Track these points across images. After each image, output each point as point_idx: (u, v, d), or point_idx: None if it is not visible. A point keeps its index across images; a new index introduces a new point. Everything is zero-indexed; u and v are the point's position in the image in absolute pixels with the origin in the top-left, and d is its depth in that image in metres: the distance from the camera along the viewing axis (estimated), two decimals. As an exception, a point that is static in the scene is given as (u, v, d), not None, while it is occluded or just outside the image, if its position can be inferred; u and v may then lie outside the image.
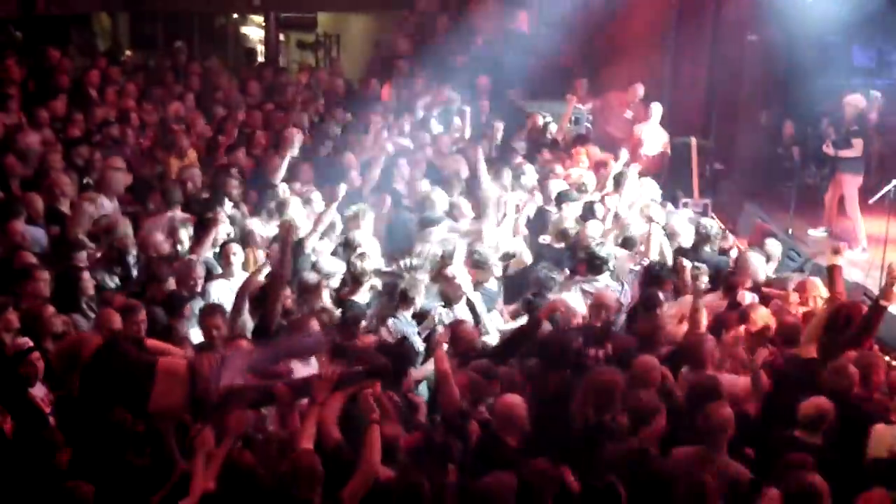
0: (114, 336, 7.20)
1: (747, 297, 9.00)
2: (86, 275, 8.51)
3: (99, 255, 9.33)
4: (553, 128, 14.56)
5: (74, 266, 8.75)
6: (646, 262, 9.78)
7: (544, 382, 7.35)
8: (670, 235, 10.52)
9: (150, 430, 6.52)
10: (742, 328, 8.25)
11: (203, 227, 9.69)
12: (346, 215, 10.25)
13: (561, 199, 11.14)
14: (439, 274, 9.13)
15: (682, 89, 15.85)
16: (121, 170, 11.25)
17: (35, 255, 8.94)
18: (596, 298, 8.72)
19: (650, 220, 10.19)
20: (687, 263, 9.61)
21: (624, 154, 12.63)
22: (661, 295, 8.86)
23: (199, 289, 8.84)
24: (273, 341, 7.34)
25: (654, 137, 14.27)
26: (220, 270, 9.30)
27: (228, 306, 8.26)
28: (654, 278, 9.34)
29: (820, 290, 8.90)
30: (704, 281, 9.23)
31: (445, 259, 9.41)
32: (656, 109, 14.31)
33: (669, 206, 12.13)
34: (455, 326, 8.02)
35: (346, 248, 9.70)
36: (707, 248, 10.26)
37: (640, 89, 15.05)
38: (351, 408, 6.52)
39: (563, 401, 7.03)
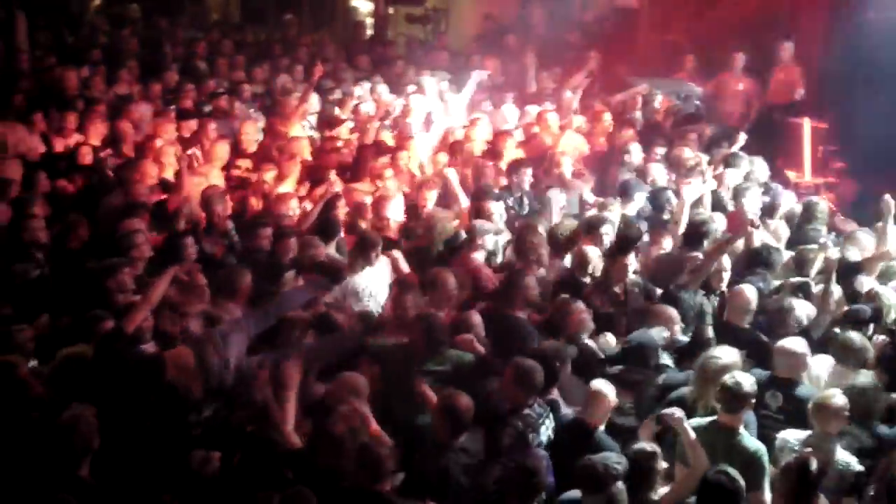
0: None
1: (866, 284, 8.56)
2: (189, 240, 8.65)
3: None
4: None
5: (177, 233, 8.94)
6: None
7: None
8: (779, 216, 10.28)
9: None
10: None
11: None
12: None
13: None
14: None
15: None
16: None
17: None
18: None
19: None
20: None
21: (742, 137, 12.26)
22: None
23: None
24: (263, 304, 7.37)
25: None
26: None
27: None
28: (762, 262, 8.94)
29: None
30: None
31: None
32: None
33: (778, 186, 11.80)
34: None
35: None
36: (811, 227, 9.91)
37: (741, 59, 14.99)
38: None
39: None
